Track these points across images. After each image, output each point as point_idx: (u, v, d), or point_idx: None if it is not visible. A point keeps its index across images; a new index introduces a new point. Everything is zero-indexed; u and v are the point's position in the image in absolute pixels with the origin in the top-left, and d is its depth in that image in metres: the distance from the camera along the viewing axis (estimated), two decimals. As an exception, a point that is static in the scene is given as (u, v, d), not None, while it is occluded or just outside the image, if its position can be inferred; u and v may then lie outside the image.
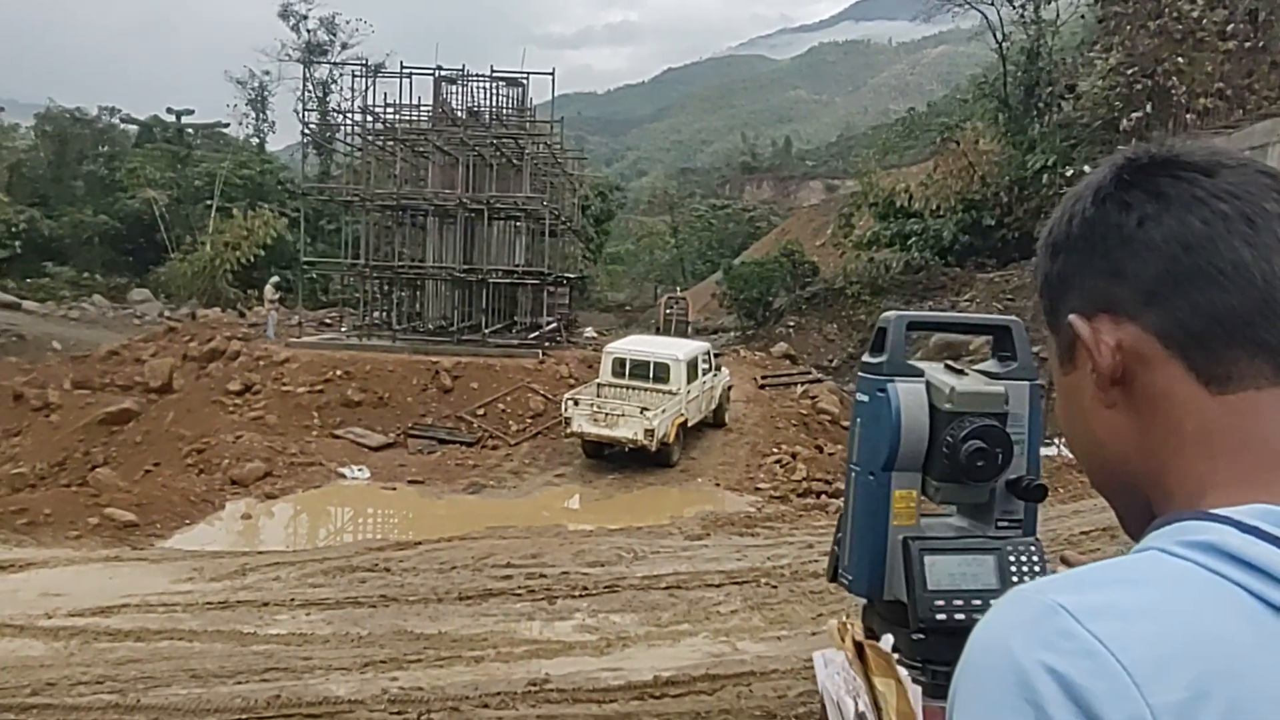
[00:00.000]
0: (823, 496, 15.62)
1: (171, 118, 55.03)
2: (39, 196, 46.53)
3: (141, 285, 42.24)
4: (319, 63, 51.56)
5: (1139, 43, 29.04)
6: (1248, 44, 28.13)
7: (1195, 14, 27.95)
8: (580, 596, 9.61)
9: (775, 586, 9.82)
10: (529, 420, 19.46)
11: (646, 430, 16.20)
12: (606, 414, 16.67)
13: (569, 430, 17.10)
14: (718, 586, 9.90)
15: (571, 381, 20.19)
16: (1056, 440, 12.45)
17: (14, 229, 39.69)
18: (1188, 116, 26.81)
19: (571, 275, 33.75)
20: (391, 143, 28.00)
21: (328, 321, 30.08)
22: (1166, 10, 28.12)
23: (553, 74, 27.41)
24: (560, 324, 29.66)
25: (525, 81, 29.00)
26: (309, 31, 57.28)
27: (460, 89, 28.65)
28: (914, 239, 34.52)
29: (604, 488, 16.49)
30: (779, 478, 16.84)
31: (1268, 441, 0.77)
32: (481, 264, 26.19)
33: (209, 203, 44.31)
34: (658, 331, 30.08)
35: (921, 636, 1.16)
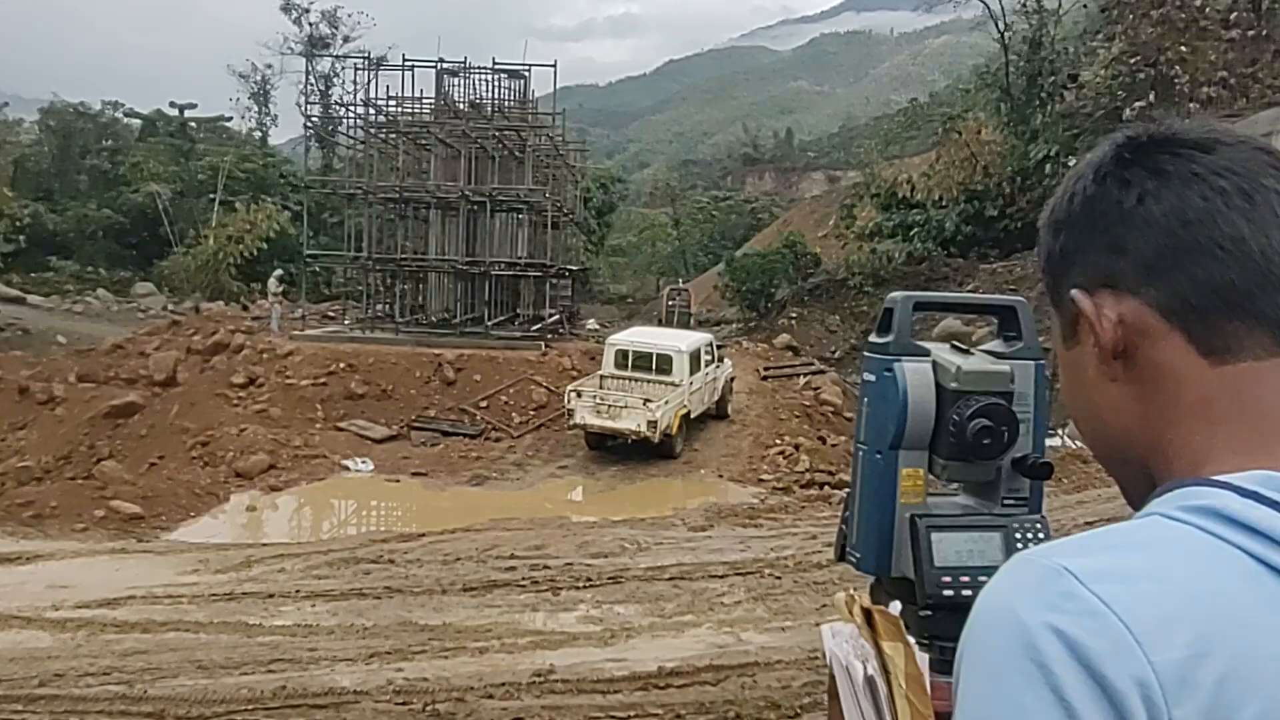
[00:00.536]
0: (825, 488, 15.64)
1: (174, 112, 55.07)
2: (43, 191, 46.62)
3: (145, 279, 42.36)
4: (321, 56, 51.63)
5: (1142, 31, 28.98)
6: (1251, 32, 28.06)
7: (1198, 2, 27.92)
8: (584, 588, 9.62)
9: (779, 577, 9.84)
10: (532, 412, 19.48)
11: (649, 422, 16.22)
12: (609, 406, 16.69)
13: (572, 422, 17.13)
14: (721, 577, 9.91)
15: (574, 373, 20.21)
16: (1060, 430, 12.48)
17: (18, 224, 39.77)
18: (1191, 105, 26.72)
19: (574, 267, 33.75)
20: (394, 135, 28.01)
21: (331, 314, 30.11)
22: (1169, -1, 28.07)
23: (554, 66, 27.42)
24: (563, 316, 29.66)
25: (527, 74, 29.01)
26: (311, 25, 57.37)
27: (462, 81, 28.65)
28: (916, 230, 34.46)
29: (607, 479, 16.52)
30: (782, 469, 16.86)
31: (1267, 411, 0.79)
32: (484, 256, 26.20)
33: (212, 196, 44.36)
34: (660, 323, 30.09)
35: (929, 613, 1.18)
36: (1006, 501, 1.29)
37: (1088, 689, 0.65)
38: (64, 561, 10.83)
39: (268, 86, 59.40)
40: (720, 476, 16.71)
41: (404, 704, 6.81)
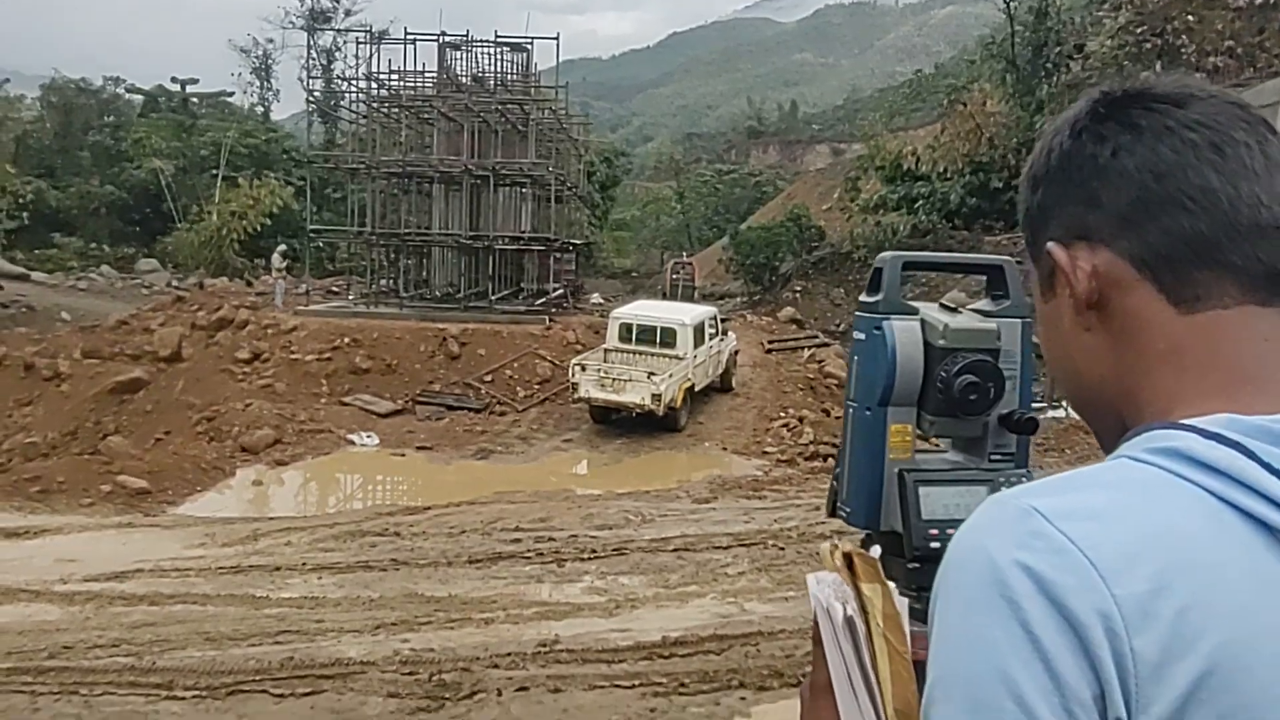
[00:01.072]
0: (829, 459, 15.66)
1: (176, 87, 54.84)
2: (45, 168, 46.50)
3: (149, 255, 42.29)
4: (323, 30, 51.36)
5: (1148, 1, 28.74)
6: (1258, 1, 27.80)
7: (1206, -29, 27.65)
8: (589, 559, 9.68)
9: (782, 548, 9.89)
10: (536, 386, 19.51)
11: (653, 395, 16.24)
12: (614, 379, 16.71)
13: (576, 395, 17.15)
14: (725, 549, 9.96)
15: (578, 347, 20.21)
16: (1064, 403, 12.48)
17: (21, 200, 39.70)
18: (1197, 75, 26.51)
19: (578, 241, 33.68)
20: (396, 110, 27.92)
21: (335, 289, 30.11)
22: (1177, -33, 27.83)
23: (557, 39, 27.24)
24: (567, 290, 29.65)
25: (529, 47, 28.85)
26: (312, -1, 56.90)
27: (464, 55, 28.52)
28: (921, 202, 34.32)
29: (611, 452, 16.55)
30: (786, 441, 16.89)
31: (1233, 357, 0.81)
32: (488, 231, 26.17)
33: (215, 172, 44.24)
34: (664, 297, 30.04)
35: (916, 565, 1.21)
36: (993, 457, 1.32)
37: (1054, 622, 0.68)
38: (71, 536, 10.90)
39: (270, 61, 59.12)
40: (724, 449, 16.74)
41: (410, 674, 6.86)
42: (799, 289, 33.13)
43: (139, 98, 55.06)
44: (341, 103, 33.71)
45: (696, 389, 17.80)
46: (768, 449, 16.56)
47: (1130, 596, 0.68)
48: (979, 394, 1.25)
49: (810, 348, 22.60)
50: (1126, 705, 0.67)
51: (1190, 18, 27.34)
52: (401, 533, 10.72)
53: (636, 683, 6.69)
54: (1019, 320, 1.33)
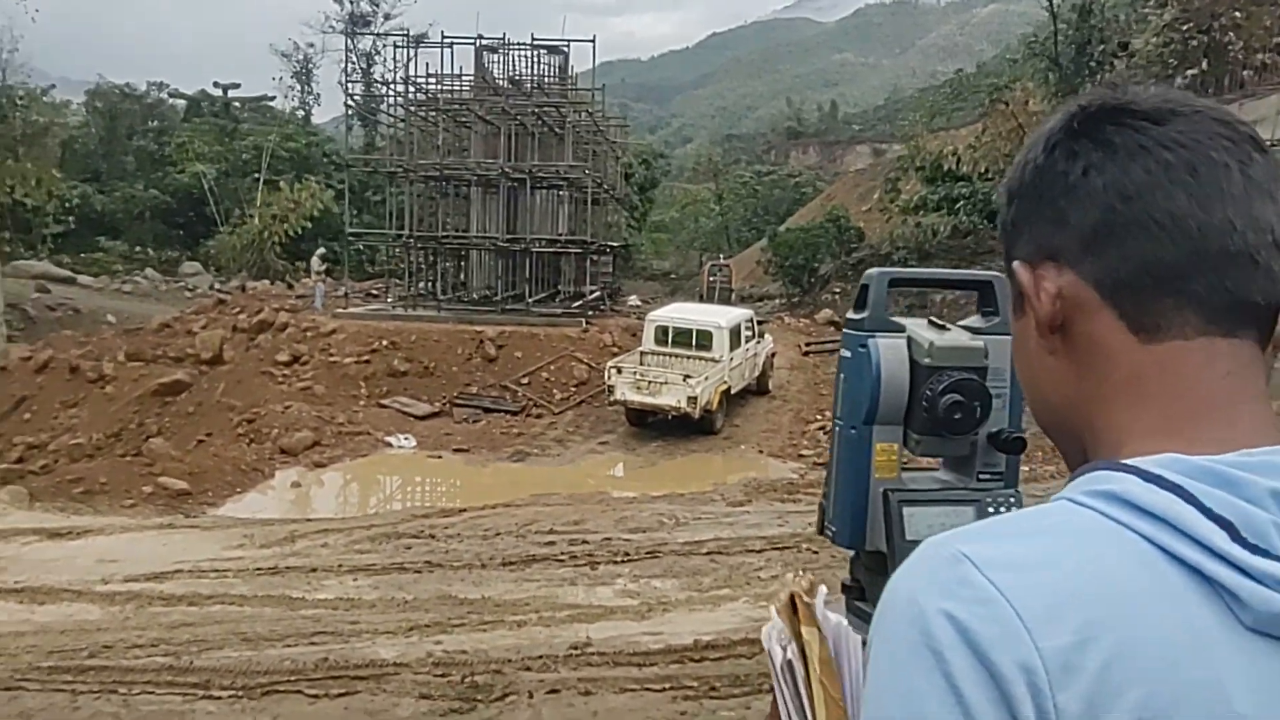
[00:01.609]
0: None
1: (219, 92, 55.57)
2: (91, 172, 47.29)
3: (192, 258, 42.92)
4: (362, 34, 51.79)
5: (1195, -2, 28.30)
6: (1308, -3, 27.28)
7: (1253, -34, 27.17)
8: (622, 562, 9.67)
9: (816, 552, 9.81)
10: (573, 389, 19.56)
11: (689, 398, 16.21)
12: (650, 382, 16.70)
13: (612, 398, 17.17)
14: (759, 552, 9.92)
15: (615, 350, 20.24)
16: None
17: (68, 205, 40.42)
18: (1244, 73, 26.11)
19: (615, 243, 33.74)
20: (434, 113, 28.11)
21: (374, 292, 30.35)
22: (1223, -37, 27.36)
23: (593, 41, 27.28)
24: (604, 292, 29.69)
25: (566, 49, 28.95)
26: (352, 3, 57.56)
27: (502, 58, 28.65)
28: (962, 203, 33.99)
29: (647, 455, 16.55)
30: (822, 444, 16.77)
31: (1189, 391, 0.78)
32: (525, 233, 26.28)
33: (256, 176, 44.82)
34: (701, 299, 30.03)
35: None
36: (982, 476, 1.31)
37: (976, 674, 0.66)
38: (113, 536, 11.06)
39: (310, 65, 59.92)
40: (760, 452, 16.68)
41: (443, 675, 6.89)
42: (838, 291, 32.95)
43: (182, 103, 55.86)
44: (380, 106, 33.95)
45: (732, 391, 17.76)
46: (804, 452, 16.48)
47: (1055, 649, 0.65)
48: (964, 413, 1.23)
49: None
50: None
51: (1237, 14, 26.88)
52: (436, 535, 10.78)
53: (668, 686, 6.67)
54: (1008, 337, 1.31)
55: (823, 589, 1.09)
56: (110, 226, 44.98)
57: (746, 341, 18.37)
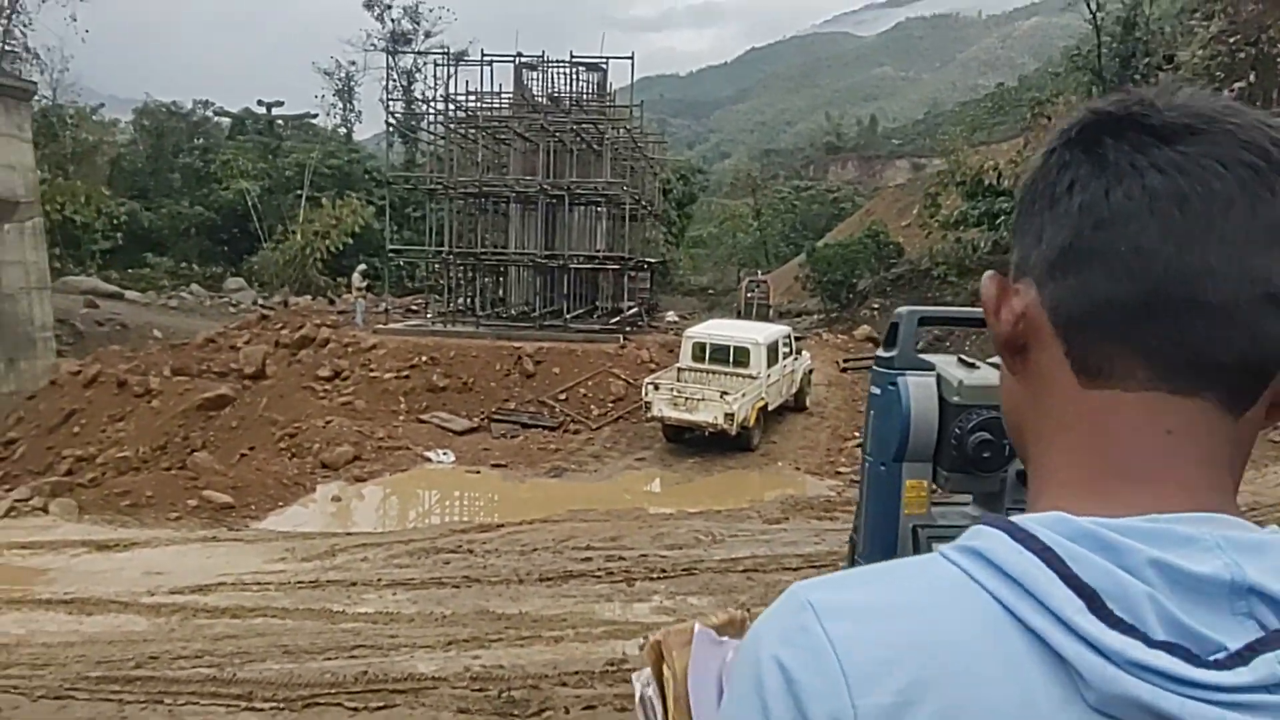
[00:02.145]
0: (905, 480, 15.47)
1: (262, 110, 56.48)
2: (138, 189, 48.16)
3: (236, 274, 43.53)
4: (403, 52, 52.49)
5: (1243, 9, 27.93)
6: (1358, 8, 26.86)
7: (1301, -22, 26.79)
8: (658, 579, 9.69)
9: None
10: (610, 404, 19.61)
11: (726, 414, 16.21)
12: (687, 398, 16.71)
13: (649, 414, 17.19)
14: (795, 570, 9.88)
15: (652, 366, 20.28)
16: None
17: (116, 221, 41.18)
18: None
19: (653, 259, 33.84)
20: (474, 130, 28.38)
21: (413, 308, 30.65)
22: (1271, -26, 27.01)
23: (632, 58, 27.44)
24: (641, 308, 29.78)
25: (605, 66, 29.16)
26: (393, 21, 58.38)
27: (541, 75, 28.90)
28: (1003, 218, 33.66)
29: (684, 471, 16.55)
30: (860, 461, 16.70)
31: (1118, 446, 0.72)
32: (563, 249, 26.43)
33: (299, 192, 45.47)
34: (739, 315, 29.99)
35: None
36: (1011, 512, 1.30)
37: None
38: (159, 549, 11.25)
39: (352, 83, 60.68)
40: (797, 469, 16.63)
41: (480, 690, 6.94)
42: (876, 307, 32.79)
43: (227, 120, 56.80)
44: (421, 124, 34.37)
45: (770, 408, 17.73)
46: (841, 469, 16.41)
47: (872, 707, 0.63)
48: (992, 451, 1.24)
49: (886, 366, 22.35)
50: None
51: (1285, 26, 26.49)
52: (474, 550, 10.85)
53: (704, 705, 6.68)
54: None
55: (696, 625, 1.18)
56: (157, 243, 45.76)
57: (784, 358, 18.35)
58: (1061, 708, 0.62)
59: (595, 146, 27.23)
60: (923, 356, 1.31)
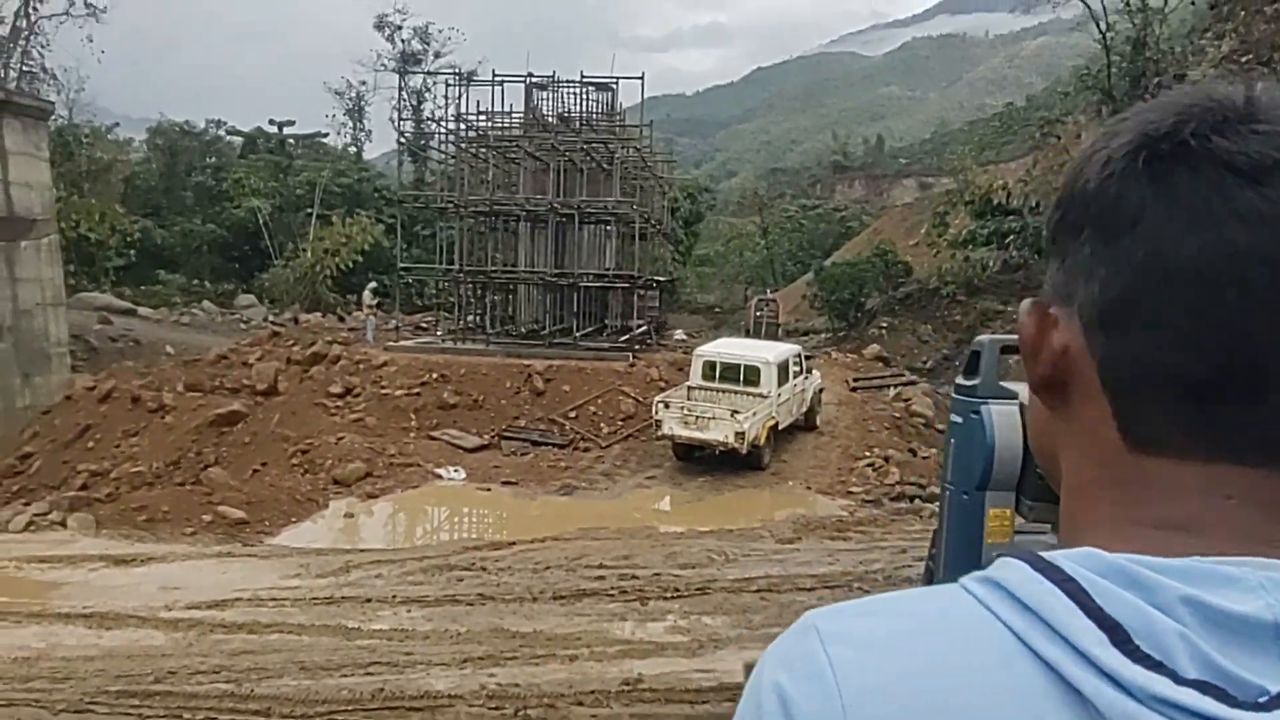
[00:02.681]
0: (916, 500, 15.48)
1: (274, 129, 56.96)
2: (152, 207, 48.54)
3: (247, 291, 43.80)
4: (413, 72, 52.85)
5: (1254, 28, 28.02)
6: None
7: (1311, -1, 26.89)
8: (672, 598, 9.73)
9: (867, 590, 9.78)
10: (620, 423, 19.64)
11: (737, 433, 16.23)
12: (697, 417, 16.74)
13: (659, 433, 17.22)
14: (809, 590, 9.92)
15: (662, 384, 20.32)
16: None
17: (129, 239, 41.45)
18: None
19: (661, 278, 33.93)
20: (484, 149, 28.54)
21: (424, 326, 30.74)
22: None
23: (642, 78, 27.62)
24: (650, 327, 29.85)
25: (615, 86, 29.28)
26: (403, 41, 58.86)
27: (551, 95, 29.06)
28: (1012, 237, 33.78)
29: (694, 490, 16.57)
30: (871, 481, 16.72)
31: (1167, 504, 0.66)
32: (572, 268, 26.54)
33: (309, 210, 45.76)
34: (748, 334, 30.05)
35: None
36: None
37: None
38: (175, 564, 11.32)
39: (362, 103, 61.14)
40: (808, 488, 16.64)
41: (496, 708, 6.99)
42: (885, 325, 32.87)
43: (239, 139, 57.25)
44: (431, 143, 34.60)
45: (780, 427, 17.75)
46: (852, 489, 16.42)
47: None
48: None
49: (897, 386, 22.39)
50: None
51: (1295, 47, 26.58)
52: (488, 567, 10.90)
53: (719, 724, 6.72)
54: None
55: None
56: (169, 260, 46.09)
57: (794, 377, 18.38)
58: None
59: (605, 166, 27.36)
60: (1005, 385, 1.34)
